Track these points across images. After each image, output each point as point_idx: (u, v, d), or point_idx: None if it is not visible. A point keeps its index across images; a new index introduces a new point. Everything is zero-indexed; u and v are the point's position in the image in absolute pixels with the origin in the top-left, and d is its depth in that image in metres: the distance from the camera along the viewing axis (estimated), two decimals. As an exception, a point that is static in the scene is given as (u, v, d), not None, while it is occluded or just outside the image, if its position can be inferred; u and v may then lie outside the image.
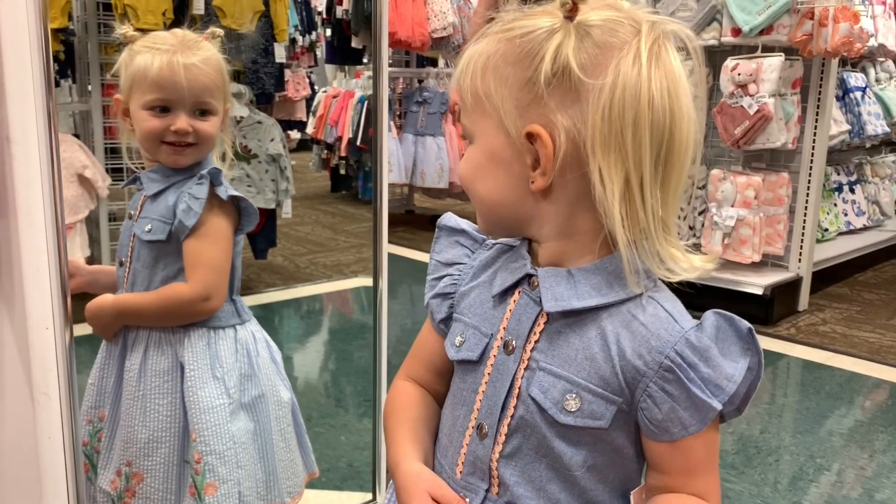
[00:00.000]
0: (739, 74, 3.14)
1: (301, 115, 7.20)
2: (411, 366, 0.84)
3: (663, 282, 0.70)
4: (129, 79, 1.21)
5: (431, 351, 0.81)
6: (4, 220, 0.77)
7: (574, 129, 0.63)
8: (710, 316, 0.67)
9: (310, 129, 6.05)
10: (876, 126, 4.06)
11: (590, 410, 0.66)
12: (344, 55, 5.66)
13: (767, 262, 3.42)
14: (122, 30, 1.25)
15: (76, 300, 1.17)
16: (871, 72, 4.26)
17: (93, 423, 1.28)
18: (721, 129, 3.25)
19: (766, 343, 3.03)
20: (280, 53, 3.71)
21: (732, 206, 3.25)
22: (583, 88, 0.63)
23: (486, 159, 0.68)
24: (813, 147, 3.32)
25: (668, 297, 0.68)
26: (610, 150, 0.62)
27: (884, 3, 3.95)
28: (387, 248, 1.49)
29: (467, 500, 0.72)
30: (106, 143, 3.28)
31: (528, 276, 0.71)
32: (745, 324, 0.67)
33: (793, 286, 3.41)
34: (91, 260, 3.29)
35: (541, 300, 0.68)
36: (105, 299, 1.25)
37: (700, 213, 3.55)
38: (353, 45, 5.30)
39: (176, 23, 3.12)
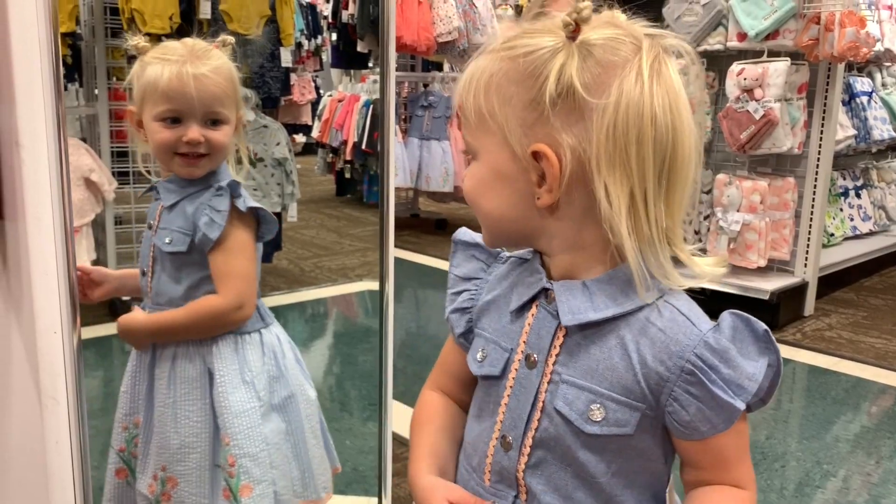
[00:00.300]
0: (745, 79, 3.13)
1: (306, 118, 7.23)
2: (437, 376, 0.86)
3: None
4: (140, 90, 1.22)
5: (454, 363, 0.83)
6: (13, 224, 0.77)
7: (579, 148, 0.65)
8: (726, 317, 0.68)
9: (315, 133, 6.07)
10: (882, 131, 4.06)
11: (615, 419, 0.67)
12: (349, 59, 5.68)
13: (773, 266, 3.41)
14: (134, 41, 1.25)
15: (87, 304, 1.20)
16: (878, 76, 4.26)
17: (128, 430, 1.31)
18: (727, 134, 3.25)
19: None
20: (286, 58, 3.73)
21: (738, 210, 3.24)
22: (587, 108, 0.64)
23: (491, 176, 0.69)
24: (819, 152, 3.32)
25: (684, 300, 0.70)
26: (615, 166, 0.64)
27: (890, 8, 3.95)
28: (394, 252, 1.49)
29: (495, 503, 0.74)
30: (112, 147, 3.29)
31: (545, 290, 0.72)
32: (762, 324, 0.68)
33: (799, 291, 3.40)
34: (97, 263, 3.30)
35: (558, 314, 0.69)
36: (137, 318, 1.26)
37: (705, 218, 3.54)
38: (359, 49, 5.32)
39: (183, 27, 3.13)
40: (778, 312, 3.24)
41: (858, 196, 4.36)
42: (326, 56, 7.08)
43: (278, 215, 3.58)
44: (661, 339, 0.66)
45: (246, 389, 1.25)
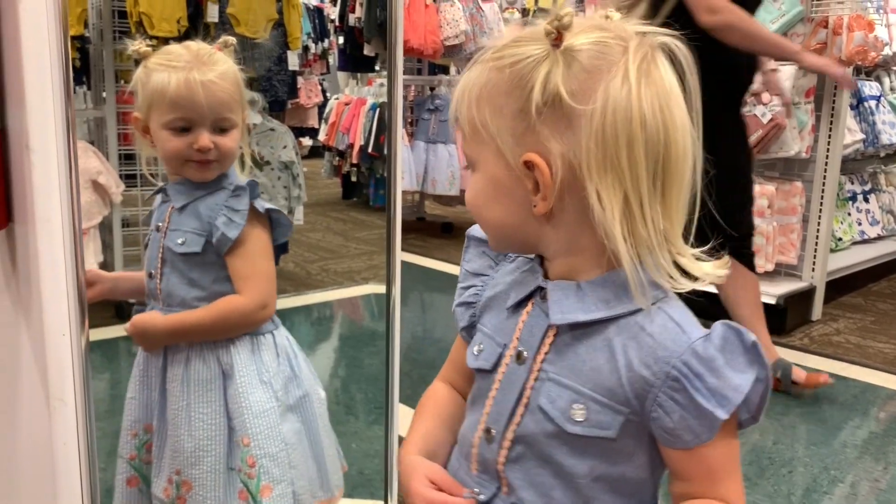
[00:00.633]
0: (753, 83, 3.12)
1: (313, 122, 7.24)
2: (446, 369, 0.88)
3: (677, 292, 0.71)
4: (146, 98, 1.21)
5: (459, 356, 0.83)
6: (23, 227, 0.77)
7: (570, 155, 0.65)
8: (718, 327, 0.67)
9: (321, 137, 6.08)
10: (891, 135, 4.04)
11: (597, 420, 0.67)
12: (356, 63, 5.68)
13: (781, 271, 3.40)
14: (135, 45, 1.24)
15: (94, 305, 1.20)
16: (886, 80, 4.24)
17: (138, 436, 1.30)
18: (734, 138, 3.24)
19: (779, 353, 3.01)
20: (293, 61, 3.74)
21: (745, 214, 3.23)
22: (574, 115, 0.64)
23: (490, 186, 0.70)
24: (827, 156, 3.31)
25: (678, 307, 0.68)
26: (606, 171, 0.64)
27: (898, 12, 3.94)
28: (400, 255, 1.50)
29: (478, 492, 0.74)
30: (120, 150, 3.31)
31: (541, 289, 0.72)
32: (751, 336, 0.66)
33: (806, 296, 3.39)
34: (104, 265, 3.31)
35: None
36: (155, 319, 1.25)
37: (712, 222, 3.53)
38: (366, 52, 5.33)
39: (190, 30, 3.14)
40: (785, 317, 3.23)
41: (866, 200, 4.34)
42: (333, 59, 7.10)
43: (285, 218, 3.58)
44: (650, 343, 0.66)
45: (264, 390, 1.25)
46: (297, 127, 6.86)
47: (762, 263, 3.21)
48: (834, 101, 3.27)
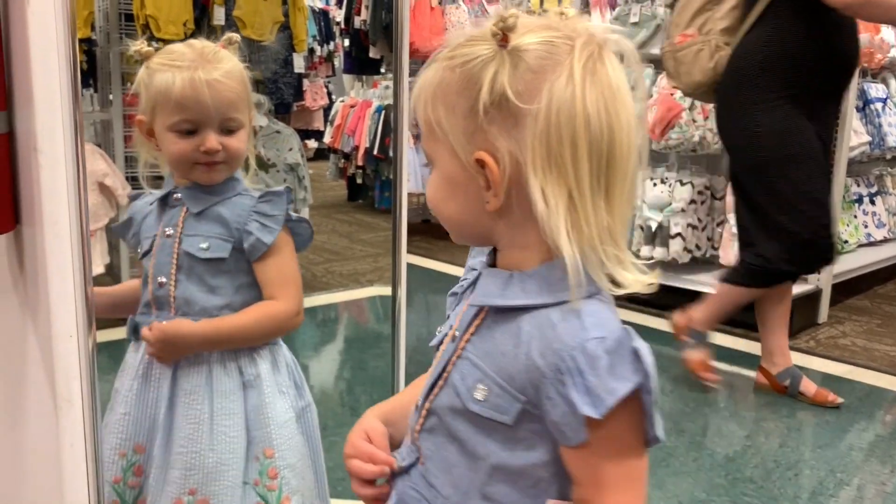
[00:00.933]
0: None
1: (318, 124, 7.24)
2: None
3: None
4: (150, 100, 1.17)
5: None
6: (30, 229, 0.78)
7: (517, 153, 0.66)
8: (618, 330, 0.66)
9: (327, 139, 6.09)
10: (897, 137, 4.03)
11: (495, 403, 0.69)
12: (362, 65, 5.69)
13: (786, 273, 3.39)
14: (136, 46, 1.20)
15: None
16: (892, 83, 4.23)
17: (126, 457, 1.21)
18: (739, 140, 3.24)
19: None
20: (299, 64, 3.75)
21: (751, 217, 3.23)
22: (521, 114, 0.65)
23: (446, 183, 0.72)
24: (833, 158, 3.30)
25: (597, 307, 0.67)
26: (551, 169, 0.65)
27: (905, 14, 3.92)
28: (406, 257, 1.50)
29: (402, 458, 0.78)
30: (126, 152, 3.32)
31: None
32: (638, 345, 0.66)
33: (812, 298, 3.38)
34: (110, 267, 3.32)
35: None
36: (186, 326, 1.19)
37: (718, 224, 3.53)
38: (371, 55, 5.34)
39: (197, 33, 3.15)
40: (791, 319, 3.20)
41: (873, 203, 4.33)
42: (339, 62, 7.10)
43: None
44: (550, 336, 0.67)
45: (283, 399, 1.23)
46: (302, 129, 6.86)
47: (768, 266, 3.21)
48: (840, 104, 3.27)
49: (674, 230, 3.43)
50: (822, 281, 3.39)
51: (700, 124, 3.33)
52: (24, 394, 0.83)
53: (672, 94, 3.34)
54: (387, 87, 5.69)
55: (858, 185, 4.28)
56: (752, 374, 2.71)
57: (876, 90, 4.08)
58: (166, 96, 1.15)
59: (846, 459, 2.19)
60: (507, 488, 0.71)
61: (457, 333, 0.75)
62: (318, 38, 6.85)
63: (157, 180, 1.34)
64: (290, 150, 3.50)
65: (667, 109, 3.31)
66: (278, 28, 3.51)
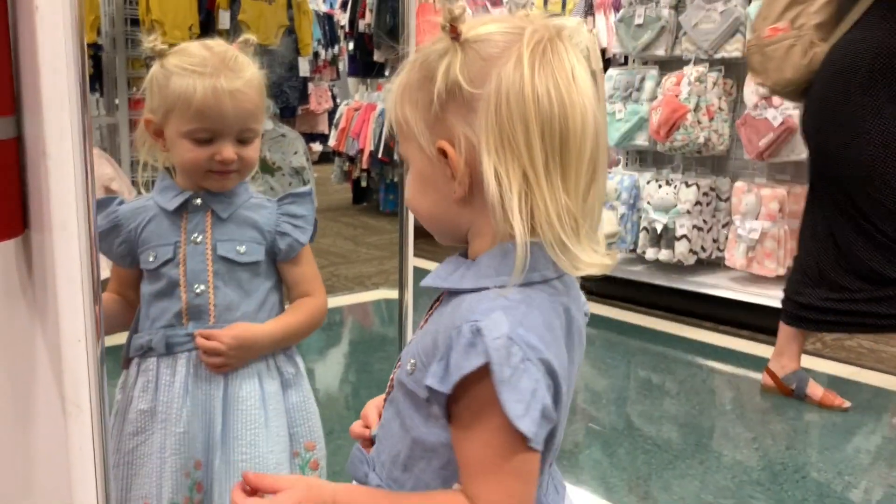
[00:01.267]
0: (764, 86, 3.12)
1: (323, 127, 7.26)
2: None
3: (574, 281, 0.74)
4: (165, 102, 1.13)
5: None
6: (39, 234, 0.78)
7: (473, 137, 0.69)
8: (501, 318, 0.66)
9: (332, 142, 6.10)
10: (902, 138, 4.02)
11: (417, 377, 0.71)
12: (366, 68, 5.71)
13: (792, 275, 3.38)
14: (151, 42, 1.15)
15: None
16: None
17: (191, 476, 1.17)
18: (745, 142, 3.24)
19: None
20: (304, 67, 3.75)
21: (756, 218, 3.22)
22: (474, 100, 0.68)
23: (418, 180, 0.75)
24: None
25: (506, 302, 0.67)
26: (504, 150, 0.67)
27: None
28: (412, 260, 1.50)
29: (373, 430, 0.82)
30: (132, 157, 3.33)
31: None
32: (480, 330, 0.65)
33: (818, 300, 3.36)
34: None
35: None
36: (258, 329, 1.18)
37: (724, 226, 3.53)
38: (375, 58, 5.35)
39: (202, 38, 3.17)
40: (797, 321, 3.20)
41: (879, 204, 4.31)
42: (343, 65, 7.12)
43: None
44: (454, 317, 0.69)
45: (310, 393, 1.28)
46: (307, 133, 6.88)
47: (773, 267, 3.20)
48: (845, 105, 3.26)
49: (679, 232, 3.43)
50: (828, 282, 3.37)
51: (705, 125, 3.33)
52: (32, 398, 0.84)
53: (677, 96, 3.34)
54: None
55: (864, 187, 4.26)
56: (758, 376, 2.70)
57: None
58: (186, 103, 1.11)
59: (853, 462, 2.18)
60: (423, 464, 0.73)
61: (426, 315, 0.79)
62: (322, 41, 6.87)
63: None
64: (296, 153, 3.50)
65: (672, 111, 3.30)
66: (283, 32, 3.52)
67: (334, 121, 6.20)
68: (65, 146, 0.73)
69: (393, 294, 3.76)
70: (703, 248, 3.49)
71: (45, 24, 0.72)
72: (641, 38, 3.61)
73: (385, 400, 0.80)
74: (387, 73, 5.77)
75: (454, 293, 0.72)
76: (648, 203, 3.55)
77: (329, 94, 7.43)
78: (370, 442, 0.82)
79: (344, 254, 4.72)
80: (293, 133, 3.59)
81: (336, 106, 6.96)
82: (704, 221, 3.47)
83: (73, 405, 0.78)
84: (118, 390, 1.23)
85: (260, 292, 1.21)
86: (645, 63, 3.75)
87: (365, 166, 5.66)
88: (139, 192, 1.29)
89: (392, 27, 4.97)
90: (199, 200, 1.19)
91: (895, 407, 2.63)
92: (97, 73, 3.61)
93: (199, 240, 1.18)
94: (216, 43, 1.18)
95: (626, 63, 3.92)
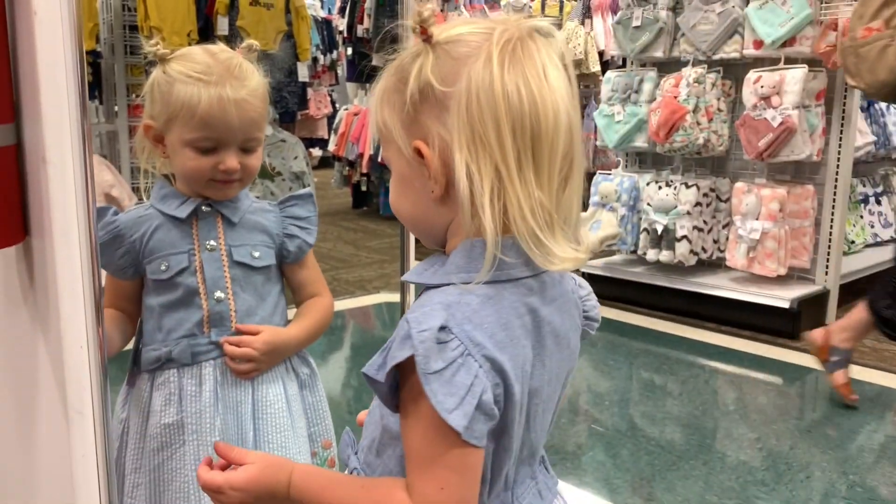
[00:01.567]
0: (762, 87, 3.12)
1: (323, 132, 7.27)
2: None
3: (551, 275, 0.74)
4: (167, 109, 1.11)
5: None
6: (40, 241, 0.78)
7: (448, 136, 0.69)
8: (443, 312, 0.67)
9: (331, 147, 6.10)
10: (902, 137, 4.02)
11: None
12: (365, 73, 5.71)
13: (793, 275, 3.38)
14: (152, 46, 1.13)
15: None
16: (896, 82, 4.22)
17: None
18: (744, 142, 3.24)
19: (793, 357, 2.99)
20: (303, 72, 3.75)
21: (757, 219, 3.22)
22: (446, 99, 0.69)
23: (399, 183, 0.76)
24: (838, 159, 3.29)
25: (457, 297, 0.68)
26: (475, 147, 0.67)
27: (908, 13, 3.92)
28: (413, 264, 1.50)
29: None
30: (132, 163, 3.33)
31: None
32: (409, 322, 0.66)
33: (820, 299, 3.36)
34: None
35: None
36: (285, 334, 1.19)
37: (724, 227, 3.52)
38: (374, 63, 5.34)
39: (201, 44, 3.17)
40: (799, 321, 3.21)
41: (879, 203, 4.32)
42: (342, 70, 7.13)
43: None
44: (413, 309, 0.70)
45: (323, 392, 1.28)
46: (307, 138, 6.89)
47: (774, 268, 3.20)
48: (844, 104, 3.26)
49: (679, 233, 3.43)
50: (829, 282, 3.38)
51: (704, 126, 3.33)
52: (35, 405, 0.83)
53: (675, 97, 3.34)
54: (390, 95, 5.69)
55: (864, 186, 4.27)
56: (760, 375, 2.70)
57: (880, 90, 4.07)
58: (190, 111, 1.09)
59: (857, 461, 2.17)
60: (390, 451, 0.74)
61: None
62: (321, 47, 6.88)
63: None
64: (296, 158, 3.50)
65: (671, 112, 3.30)
66: (282, 37, 3.52)
67: (334, 126, 6.21)
68: (64, 152, 0.73)
69: (394, 298, 3.76)
70: (703, 249, 3.49)
71: (43, 30, 0.72)
72: (639, 39, 3.61)
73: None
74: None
75: (427, 288, 0.73)
76: (649, 204, 3.55)
77: (328, 99, 7.45)
78: None
79: (345, 258, 4.72)
80: (293, 138, 3.59)
81: (335, 111, 6.97)
82: (705, 222, 3.47)
83: (75, 411, 0.78)
84: (121, 407, 1.20)
85: (272, 296, 1.21)
86: (643, 65, 3.75)
87: (365, 171, 5.66)
88: (140, 200, 1.28)
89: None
90: (208, 206, 1.17)
91: (898, 406, 2.62)
92: (96, 81, 3.61)
93: (212, 246, 1.17)
94: (220, 49, 1.16)
95: (624, 65, 3.92)
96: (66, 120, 0.73)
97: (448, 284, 0.69)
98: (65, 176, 0.74)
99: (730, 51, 3.33)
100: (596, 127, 3.93)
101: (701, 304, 3.44)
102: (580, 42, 5.70)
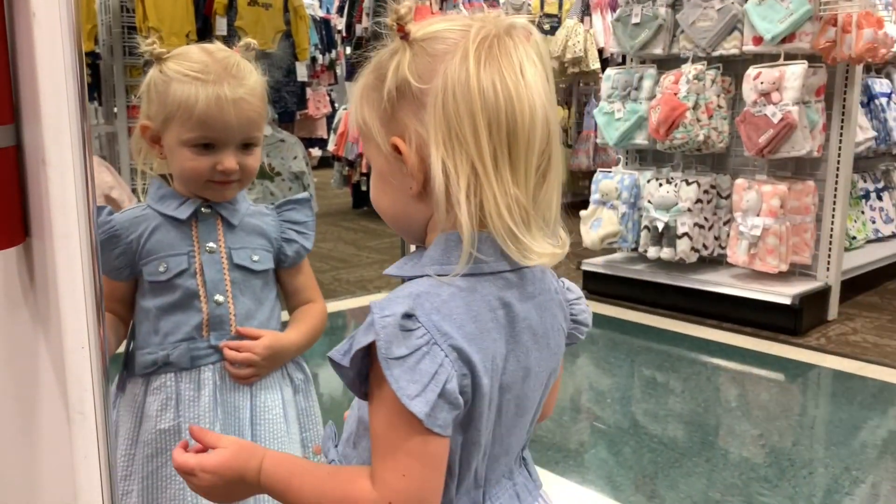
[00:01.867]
0: (762, 83, 3.12)
1: (322, 132, 7.26)
2: None
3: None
4: (164, 109, 1.09)
5: None
6: (40, 242, 0.78)
7: (425, 133, 0.69)
8: (409, 302, 0.67)
9: (331, 147, 6.10)
10: (902, 132, 4.02)
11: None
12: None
13: (795, 271, 3.38)
14: (149, 45, 1.11)
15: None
16: (896, 77, 4.22)
17: None
18: (745, 139, 3.23)
19: (795, 353, 2.99)
20: (302, 72, 3.75)
21: (758, 215, 3.22)
22: (423, 96, 0.70)
23: (379, 179, 0.76)
24: (839, 154, 3.29)
25: (427, 288, 0.69)
26: (451, 143, 0.68)
27: (907, 8, 3.92)
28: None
29: None
30: (132, 165, 3.33)
31: None
32: (373, 309, 0.67)
33: (821, 295, 3.36)
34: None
35: None
36: (285, 339, 1.18)
37: (725, 223, 3.52)
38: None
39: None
40: (801, 317, 3.21)
41: (880, 198, 4.31)
42: (341, 70, 7.12)
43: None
44: None
45: (315, 397, 1.27)
46: (306, 138, 6.88)
47: (776, 264, 3.20)
48: (845, 99, 3.26)
49: (680, 230, 3.42)
50: (830, 278, 3.38)
51: (704, 123, 3.33)
52: (36, 407, 0.83)
53: (675, 94, 3.34)
54: (390, 94, 5.69)
55: (865, 181, 4.27)
56: (762, 372, 2.70)
57: (881, 85, 4.07)
58: (187, 111, 1.07)
59: (860, 457, 2.17)
60: (365, 442, 0.74)
61: None
62: (319, 46, 6.87)
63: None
64: (295, 158, 3.50)
65: (671, 109, 3.30)
66: (280, 37, 3.52)
67: (333, 125, 6.20)
68: (64, 153, 0.73)
69: (395, 297, 3.75)
70: (704, 246, 3.48)
71: (42, 31, 0.72)
72: (639, 37, 3.61)
73: None
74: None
75: (404, 280, 0.73)
76: (649, 202, 3.54)
77: (327, 98, 7.44)
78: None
79: (345, 258, 4.72)
80: (292, 138, 3.59)
81: (334, 110, 6.96)
82: (706, 219, 3.47)
83: (77, 413, 0.78)
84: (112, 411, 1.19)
85: (270, 300, 1.20)
86: (643, 62, 3.75)
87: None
88: (140, 201, 1.26)
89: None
90: (207, 208, 1.16)
91: (901, 401, 2.62)
92: (95, 82, 3.61)
93: (212, 248, 1.15)
94: (217, 48, 1.14)
95: (624, 62, 3.92)
96: (65, 121, 0.73)
97: (423, 276, 0.70)
98: (64, 177, 0.73)
99: (729, 47, 3.33)
100: (596, 124, 3.93)
101: (702, 300, 3.44)
102: (579, 40, 5.69)
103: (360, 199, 6.26)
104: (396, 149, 0.71)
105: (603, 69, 4.98)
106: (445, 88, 0.68)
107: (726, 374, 2.92)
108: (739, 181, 3.33)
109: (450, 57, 0.69)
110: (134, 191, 3.24)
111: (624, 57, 3.88)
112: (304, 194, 1.27)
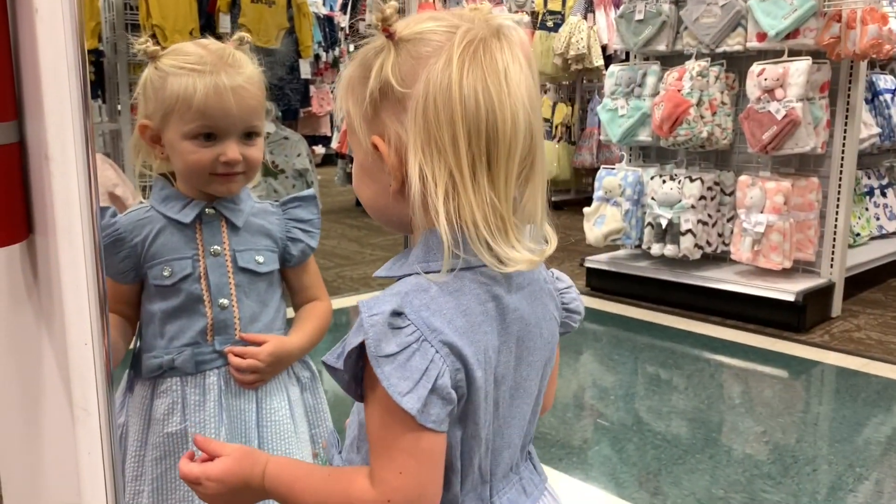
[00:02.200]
0: (766, 79, 3.11)
1: (325, 129, 7.27)
2: None
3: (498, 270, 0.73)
4: (163, 105, 1.08)
5: None
6: (43, 238, 0.78)
7: (405, 135, 0.69)
8: (396, 301, 0.68)
9: (334, 144, 6.10)
10: (907, 128, 4.00)
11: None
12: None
13: (798, 268, 3.37)
14: (142, 44, 1.10)
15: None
16: (901, 74, 4.20)
17: None
18: (748, 135, 3.23)
19: (799, 350, 2.99)
20: (305, 70, 3.75)
21: (762, 212, 3.21)
22: (405, 99, 0.69)
23: (360, 171, 0.76)
24: (843, 151, 3.28)
25: (413, 287, 0.69)
26: (430, 150, 0.68)
27: (912, 4, 3.90)
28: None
29: None
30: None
31: None
32: (361, 311, 0.67)
33: (825, 292, 3.36)
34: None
35: None
36: (290, 343, 1.17)
37: (729, 220, 3.52)
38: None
39: (202, 41, 3.18)
40: (804, 314, 3.20)
41: (884, 195, 4.30)
42: (344, 67, 7.12)
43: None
44: None
45: (323, 393, 1.27)
46: (309, 135, 6.89)
47: (780, 261, 3.19)
48: (849, 96, 3.25)
49: (684, 227, 3.42)
50: (834, 274, 3.37)
51: (708, 120, 3.32)
52: (40, 403, 0.83)
53: (679, 91, 3.33)
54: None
55: (869, 178, 4.25)
56: (766, 369, 2.69)
57: (885, 81, 4.05)
58: (186, 103, 1.06)
59: (864, 454, 2.17)
60: (367, 446, 0.73)
61: None
62: (323, 44, 6.87)
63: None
64: (299, 155, 3.50)
65: (674, 106, 3.30)
66: (284, 34, 3.52)
67: (336, 123, 6.20)
68: (67, 150, 0.73)
69: (398, 294, 3.75)
70: (708, 243, 3.48)
71: (45, 27, 0.72)
72: (642, 33, 3.60)
73: None
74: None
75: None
76: (653, 198, 3.54)
77: (331, 96, 7.44)
78: None
79: (349, 255, 4.72)
80: (295, 135, 3.59)
81: (338, 108, 6.96)
82: (709, 216, 3.46)
83: (81, 409, 0.78)
84: (118, 412, 1.18)
85: (274, 301, 1.19)
86: (646, 58, 3.74)
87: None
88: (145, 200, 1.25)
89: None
90: (210, 209, 1.15)
91: (905, 398, 2.62)
92: (99, 80, 3.62)
93: (217, 251, 1.14)
94: (210, 41, 1.13)
95: (627, 59, 3.91)
96: (68, 117, 0.73)
97: (410, 275, 0.70)
98: (67, 173, 0.73)
99: (733, 43, 3.32)
100: (599, 121, 3.93)
101: (706, 297, 3.44)
102: (583, 36, 5.68)
103: (364, 197, 6.25)
104: (375, 148, 0.71)
105: (606, 66, 4.97)
106: (427, 95, 0.67)
107: (730, 370, 2.91)
108: (743, 178, 3.32)
109: (433, 61, 0.68)
110: (142, 189, 3.24)
111: (627, 53, 3.87)
112: (310, 191, 1.25)
